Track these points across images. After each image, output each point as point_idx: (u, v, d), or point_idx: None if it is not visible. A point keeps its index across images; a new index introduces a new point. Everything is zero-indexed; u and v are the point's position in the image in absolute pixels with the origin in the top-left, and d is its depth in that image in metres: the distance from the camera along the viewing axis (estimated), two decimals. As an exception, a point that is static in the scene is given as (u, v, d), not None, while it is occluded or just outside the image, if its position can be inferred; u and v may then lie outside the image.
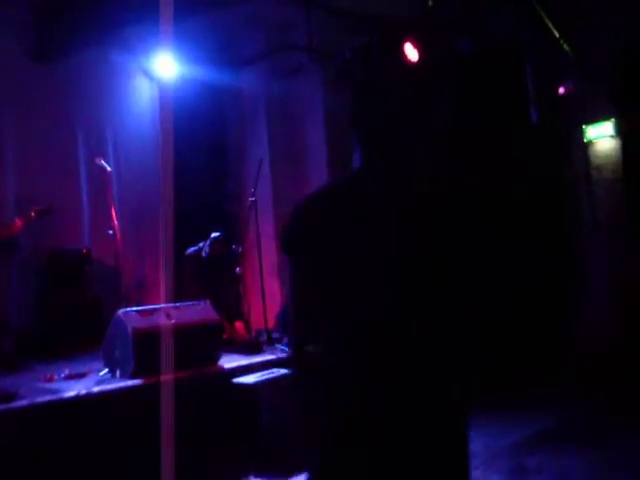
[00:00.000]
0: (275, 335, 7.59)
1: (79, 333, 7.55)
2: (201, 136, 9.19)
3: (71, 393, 5.45)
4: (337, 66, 8.66)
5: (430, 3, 7.29)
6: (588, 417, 6.94)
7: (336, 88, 8.98)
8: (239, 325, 7.69)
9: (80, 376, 6.17)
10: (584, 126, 9.30)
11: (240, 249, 8.06)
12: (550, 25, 7.92)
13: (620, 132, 9.13)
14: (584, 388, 7.83)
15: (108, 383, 5.80)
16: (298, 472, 5.73)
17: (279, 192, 9.54)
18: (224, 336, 7.22)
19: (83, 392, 5.49)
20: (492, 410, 7.08)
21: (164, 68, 8.25)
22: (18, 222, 6.99)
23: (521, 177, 9.16)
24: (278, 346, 7.19)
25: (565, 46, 8.30)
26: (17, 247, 7.26)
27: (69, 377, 6.13)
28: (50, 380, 6.05)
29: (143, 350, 5.87)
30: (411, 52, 8.13)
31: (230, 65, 9.27)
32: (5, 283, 7.22)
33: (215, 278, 7.78)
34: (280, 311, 8.27)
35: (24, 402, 5.23)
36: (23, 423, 5.12)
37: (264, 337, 7.42)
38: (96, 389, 5.59)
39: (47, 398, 5.36)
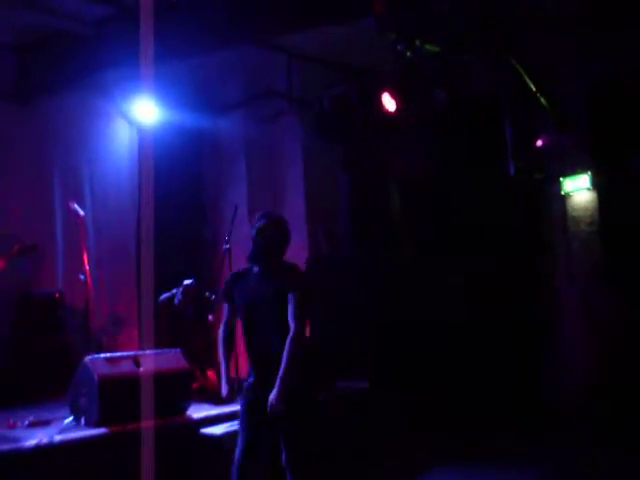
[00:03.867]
0: (246, 384, 7.47)
1: (48, 379, 7.42)
2: (179, 181, 9.16)
3: (32, 442, 5.31)
4: (315, 114, 8.71)
5: (408, 54, 7.32)
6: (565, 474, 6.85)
7: (315, 135, 9.03)
8: (211, 374, 7.56)
9: (44, 423, 6.03)
10: (561, 179, 9.35)
11: (213, 296, 7.98)
12: (527, 78, 7.99)
13: (596, 185, 9.18)
14: (561, 443, 7.76)
15: (71, 432, 5.68)
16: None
17: (256, 238, 9.47)
18: (195, 385, 7.12)
19: (44, 441, 5.36)
20: (465, 465, 7.00)
21: (143, 112, 8.27)
22: (0, 261, 6.83)
23: (497, 230, 9.20)
24: (249, 395, 7.07)
25: (542, 99, 8.37)
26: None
27: (33, 424, 6.00)
28: (12, 427, 5.92)
29: (109, 398, 5.77)
30: (389, 102, 8.18)
31: (210, 110, 9.29)
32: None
33: (187, 325, 7.68)
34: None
35: (-18, 451, 5.10)
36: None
37: (235, 386, 7.30)
38: (58, 438, 5.45)
39: (5, 447, 5.23)
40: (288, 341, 4.56)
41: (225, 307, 5.00)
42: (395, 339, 8.55)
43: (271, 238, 4.74)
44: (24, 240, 7.24)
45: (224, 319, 5.04)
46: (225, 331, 5.01)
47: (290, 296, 4.63)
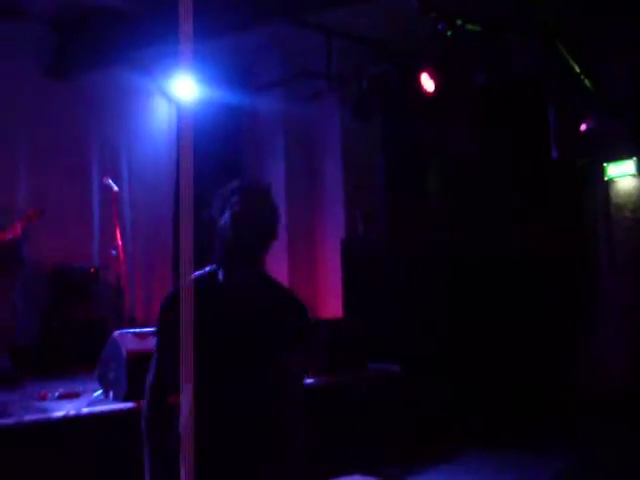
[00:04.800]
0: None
1: (82, 352, 7.49)
2: (217, 159, 9.14)
3: (59, 413, 5.38)
4: (354, 93, 8.62)
5: (449, 34, 7.19)
6: (594, 466, 6.72)
7: (353, 115, 8.94)
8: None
9: (73, 396, 6.09)
10: (605, 164, 9.12)
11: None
12: (571, 60, 7.79)
13: (642, 171, 8.95)
14: (593, 434, 7.62)
15: (99, 405, 5.72)
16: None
17: (293, 217, 9.48)
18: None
19: (72, 413, 5.42)
20: (489, 450, 6.91)
21: (182, 90, 8.25)
22: (16, 227, 6.94)
23: (538, 214, 9.03)
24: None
25: (586, 82, 8.16)
26: (21, 259, 7.20)
27: (62, 396, 6.06)
28: (43, 398, 5.99)
29: (137, 373, 5.77)
30: (427, 82, 8.06)
31: (249, 88, 9.25)
32: (10, 297, 7.17)
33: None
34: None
35: (10, 420, 5.17)
36: (8, 441, 5.05)
37: None
38: (85, 410, 5.51)
39: (34, 417, 5.30)
40: (294, 421, 2.76)
41: (158, 349, 2.84)
42: (429, 323, 8.46)
43: (259, 226, 2.79)
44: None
45: (154, 378, 2.78)
46: (161, 407, 2.74)
47: (298, 343, 2.82)
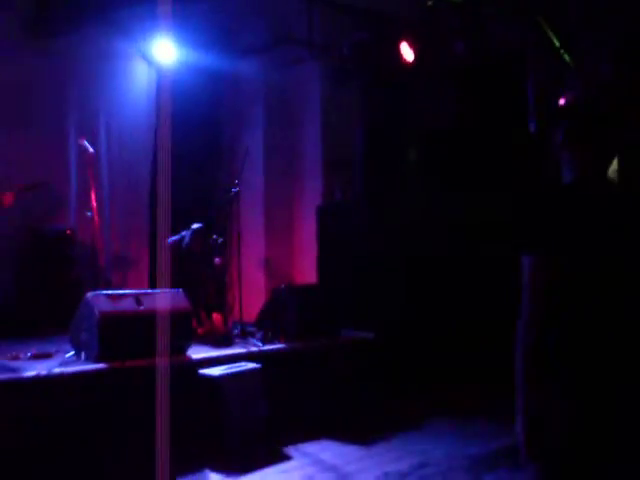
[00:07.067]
0: (250, 328, 7.53)
1: (56, 313, 7.50)
2: (197, 124, 9.13)
3: (31, 373, 5.42)
4: (335, 61, 8.62)
5: (429, 3, 7.19)
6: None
7: (334, 83, 8.93)
8: (217, 317, 7.62)
9: (46, 356, 6.13)
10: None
11: (220, 240, 7.99)
12: (551, 34, 7.80)
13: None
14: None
15: (71, 365, 5.76)
16: (258, 468, 5.70)
17: (271, 184, 9.50)
18: (201, 328, 7.21)
19: (43, 373, 5.46)
20: (457, 419, 6.98)
21: (163, 53, 8.20)
22: (8, 196, 6.94)
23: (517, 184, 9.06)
24: (251, 340, 7.14)
25: (566, 56, 8.17)
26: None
27: (34, 357, 6.10)
28: (15, 358, 6.02)
29: (109, 334, 5.84)
30: (407, 52, 8.06)
31: (230, 52, 9.18)
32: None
33: (194, 269, 7.72)
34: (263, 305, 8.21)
35: (-18, 379, 5.21)
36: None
37: (238, 330, 7.35)
38: (57, 370, 5.55)
39: (5, 376, 5.34)
40: None
41: (530, 273, 2.37)
42: (403, 290, 8.53)
43: None
44: (37, 177, 7.32)
45: (532, 307, 2.41)
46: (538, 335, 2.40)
47: None
